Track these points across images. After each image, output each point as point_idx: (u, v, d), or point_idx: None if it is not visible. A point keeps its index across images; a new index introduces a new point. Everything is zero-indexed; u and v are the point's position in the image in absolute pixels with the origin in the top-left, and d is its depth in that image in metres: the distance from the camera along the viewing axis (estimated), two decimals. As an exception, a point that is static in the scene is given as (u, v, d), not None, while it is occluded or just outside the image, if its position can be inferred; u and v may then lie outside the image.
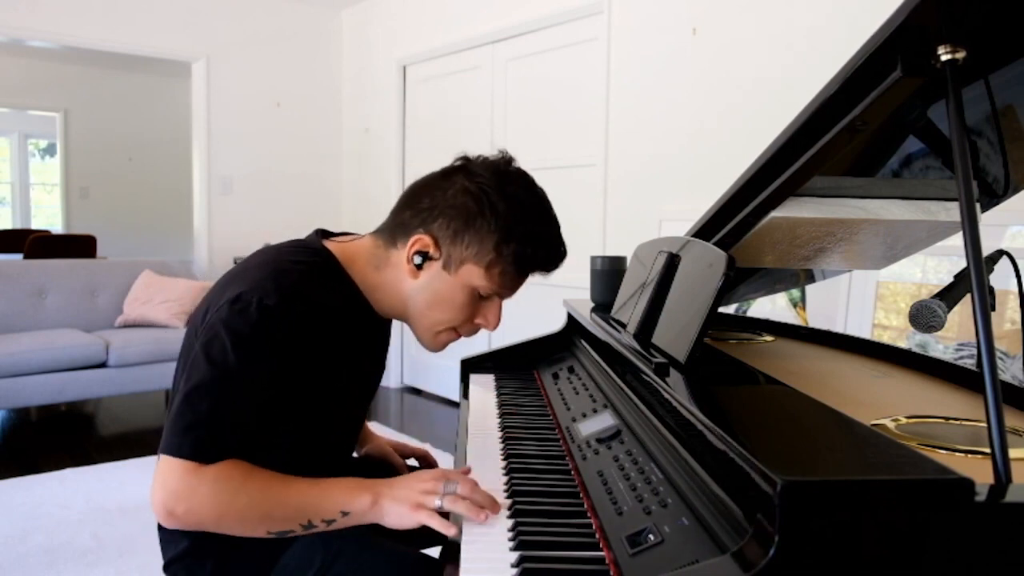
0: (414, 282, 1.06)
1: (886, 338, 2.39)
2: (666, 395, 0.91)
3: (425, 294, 1.06)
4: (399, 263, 1.07)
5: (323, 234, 1.14)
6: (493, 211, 1.01)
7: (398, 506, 0.92)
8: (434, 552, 1.31)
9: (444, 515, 0.91)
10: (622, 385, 1.16)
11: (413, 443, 1.53)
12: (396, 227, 1.08)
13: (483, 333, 3.99)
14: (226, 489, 0.91)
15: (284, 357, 0.96)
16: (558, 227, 1.09)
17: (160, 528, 1.14)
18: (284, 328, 0.95)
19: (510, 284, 1.06)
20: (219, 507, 0.91)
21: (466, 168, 1.06)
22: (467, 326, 1.10)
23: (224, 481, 0.91)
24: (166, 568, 1.13)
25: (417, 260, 1.04)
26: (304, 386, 1.01)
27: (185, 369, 0.98)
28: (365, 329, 1.13)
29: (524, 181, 1.07)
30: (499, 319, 1.09)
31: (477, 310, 1.08)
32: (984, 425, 0.76)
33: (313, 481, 0.96)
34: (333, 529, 0.95)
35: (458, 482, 0.92)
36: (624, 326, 1.30)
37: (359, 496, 0.94)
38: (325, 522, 0.94)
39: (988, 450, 0.65)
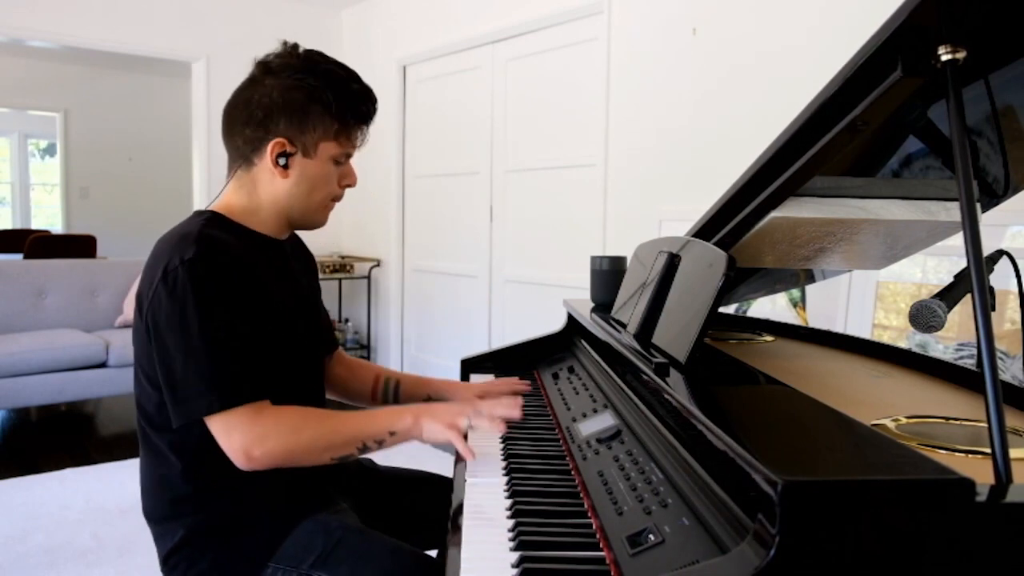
0: (286, 181, 1.17)
1: (886, 338, 2.39)
2: (666, 395, 0.91)
3: (302, 185, 1.18)
4: (265, 174, 1.17)
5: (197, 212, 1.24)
6: (319, 92, 1.14)
7: (434, 423, 1.09)
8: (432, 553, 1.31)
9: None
10: (622, 385, 1.16)
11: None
12: (243, 148, 1.18)
13: (483, 333, 3.98)
14: (290, 428, 1.05)
15: (226, 293, 1.06)
16: (360, 77, 1.21)
17: (153, 523, 1.15)
18: (212, 270, 1.06)
19: (355, 140, 1.20)
20: (288, 444, 1.04)
21: (270, 70, 1.16)
22: (338, 191, 1.23)
23: (285, 422, 1.05)
24: (165, 562, 1.14)
25: (282, 161, 1.15)
26: (253, 317, 1.09)
27: (144, 355, 1.10)
28: (269, 256, 1.21)
29: (321, 56, 1.19)
30: (355, 174, 1.24)
31: (340, 175, 1.21)
32: (984, 425, 0.76)
33: (362, 411, 1.12)
34: (383, 449, 1.11)
35: (484, 409, 1.12)
36: (624, 326, 1.30)
37: (402, 417, 1.10)
38: (376, 443, 1.09)
39: (988, 450, 0.65)
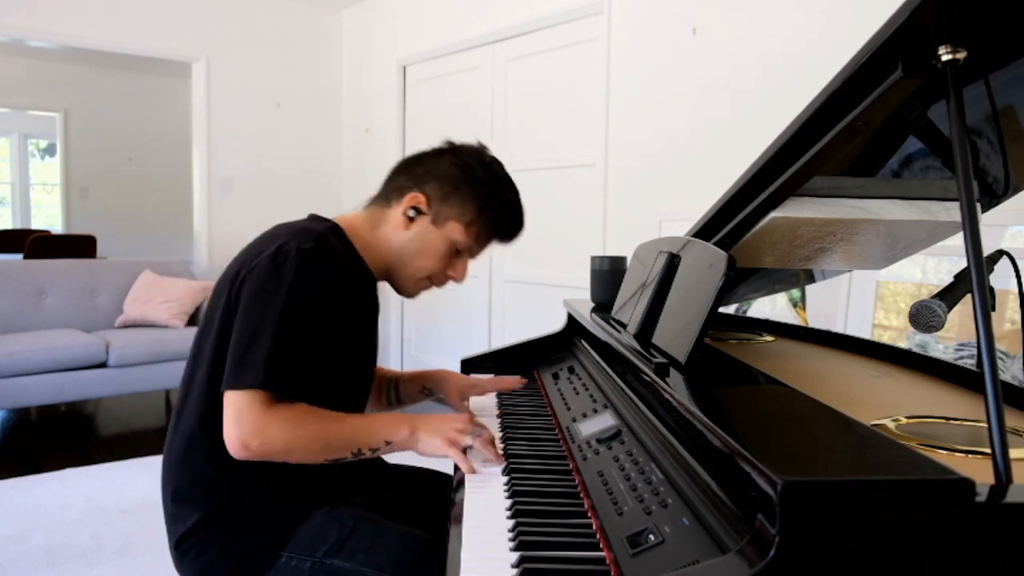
0: (405, 233, 1.24)
1: (886, 338, 2.39)
2: (666, 395, 0.91)
3: (414, 244, 1.25)
4: (393, 219, 1.25)
5: (318, 218, 1.27)
6: (477, 182, 1.24)
7: (433, 438, 1.10)
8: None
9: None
10: (622, 385, 1.16)
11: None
12: (391, 190, 1.27)
13: (483, 333, 3.97)
14: (293, 425, 1.05)
15: (323, 297, 1.11)
16: (521, 207, 1.30)
17: (170, 502, 1.16)
18: (321, 269, 1.11)
19: (482, 242, 1.27)
20: (288, 441, 1.05)
21: (454, 150, 1.28)
22: (441, 276, 1.28)
23: (291, 420, 1.06)
24: (176, 546, 1.14)
25: (411, 213, 1.23)
26: (330, 330, 1.13)
27: (209, 327, 1.14)
28: (365, 289, 1.27)
29: (500, 165, 1.29)
30: (466, 273, 1.30)
31: (451, 263, 1.27)
32: (984, 425, 0.76)
33: (360, 416, 1.15)
34: (376, 456, 1.12)
35: (483, 431, 1.12)
36: (624, 326, 1.30)
37: (400, 428, 1.11)
38: (371, 450, 1.10)
39: (988, 450, 0.65)
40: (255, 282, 1.09)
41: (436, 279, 1.28)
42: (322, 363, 1.11)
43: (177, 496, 1.16)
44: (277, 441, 1.04)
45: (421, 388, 1.50)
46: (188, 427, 1.15)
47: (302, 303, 1.08)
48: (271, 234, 1.16)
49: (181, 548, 1.14)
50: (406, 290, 1.30)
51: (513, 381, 1.51)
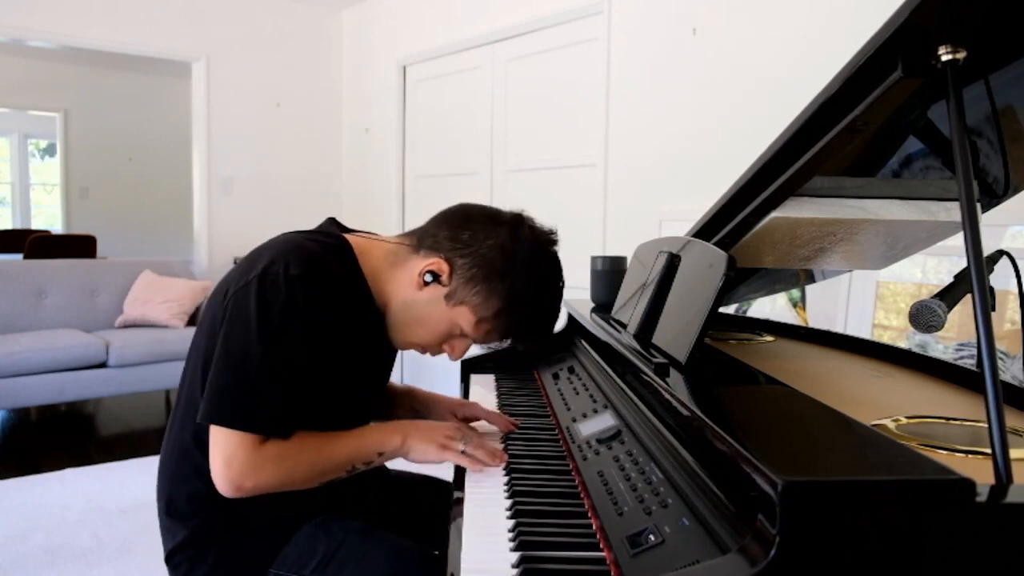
0: (415, 293, 1.12)
1: (886, 338, 2.39)
2: (666, 395, 0.91)
3: (417, 309, 1.12)
4: (414, 269, 1.12)
5: (336, 223, 1.20)
6: (512, 281, 1.08)
7: (424, 445, 1.07)
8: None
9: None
10: (622, 385, 1.16)
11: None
12: (428, 238, 1.13)
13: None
14: (287, 462, 1.02)
15: (309, 325, 1.03)
16: (554, 319, 1.16)
17: (164, 515, 1.14)
18: (309, 297, 1.02)
19: (487, 340, 1.15)
20: (282, 478, 1.02)
21: (515, 226, 1.11)
22: (434, 349, 1.17)
23: (285, 457, 1.01)
24: (168, 559, 1.13)
25: (428, 278, 1.10)
26: (322, 359, 1.07)
27: (203, 345, 1.07)
28: (366, 317, 1.16)
29: (553, 267, 1.14)
30: (464, 354, 1.18)
31: (449, 342, 1.16)
32: (984, 425, 0.76)
33: (350, 433, 1.09)
34: (370, 468, 1.09)
35: (472, 436, 1.10)
36: (624, 326, 1.30)
37: (391, 437, 1.08)
38: (365, 464, 1.08)
39: (988, 450, 0.65)
40: (239, 308, 1.01)
41: (429, 350, 1.17)
42: (313, 394, 1.06)
43: (170, 510, 1.14)
44: (271, 480, 1.00)
45: (410, 407, 1.41)
46: (182, 442, 1.11)
47: (288, 335, 1.00)
48: (264, 248, 1.08)
49: (173, 562, 1.13)
50: (396, 342, 1.19)
51: (506, 422, 1.30)
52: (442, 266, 1.09)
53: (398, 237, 1.18)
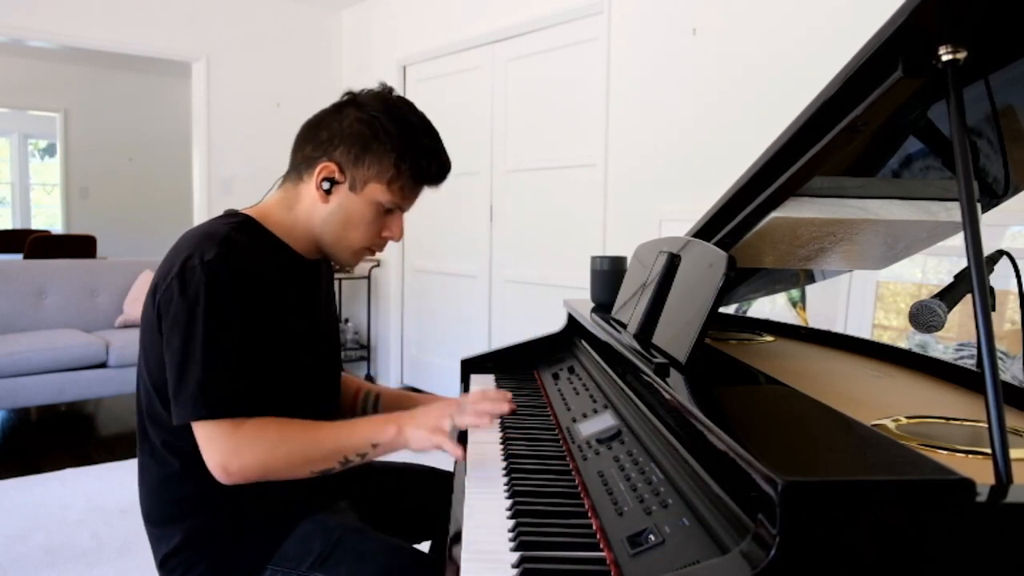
0: (325, 207, 1.15)
1: (886, 338, 2.39)
2: (666, 395, 0.91)
3: (337, 216, 1.15)
4: (309, 194, 1.16)
5: (234, 211, 1.22)
6: (387, 133, 1.12)
7: (419, 431, 1.05)
8: (423, 547, 1.31)
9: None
10: (622, 385, 1.16)
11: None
12: (300, 164, 1.17)
13: (483, 334, 3.96)
14: (266, 443, 1.02)
15: (240, 303, 1.04)
16: (442, 142, 1.20)
17: (151, 525, 1.14)
18: (230, 276, 1.04)
19: (409, 195, 1.18)
20: (265, 461, 1.02)
21: (355, 101, 1.16)
22: (377, 240, 1.19)
23: (262, 438, 1.02)
24: (161, 566, 1.13)
25: (325, 186, 1.14)
26: (265, 332, 1.07)
27: (143, 348, 1.10)
28: (296, 274, 1.19)
29: (408, 105, 1.18)
30: (402, 230, 1.20)
31: (383, 224, 1.18)
32: (984, 425, 0.76)
33: (340, 422, 1.08)
34: (366, 461, 1.07)
35: (468, 403, 1.07)
36: (624, 326, 1.30)
37: (385, 428, 1.06)
38: (359, 456, 1.06)
39: (989, 450, 0.65)
40: (170, 308, 1.04)
41: (373, 245, 1.20)
42: (270, 367, 1.07)
43: (157, 518, 1.14)
44: (253, 462, 1.01)
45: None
46: (155, 451, 1.12)
47: (221, 318, 1.02)
48: (175, 247, 1.10)
49: (166, 567, 1.13)
50: (343, 262, 1.22)
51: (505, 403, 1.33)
52: (329, 167, 1.13)
53: (277, 187, 1.22)
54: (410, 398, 1.42)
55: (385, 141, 1.12)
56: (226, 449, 1.01)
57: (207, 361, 1.01)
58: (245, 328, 1.04)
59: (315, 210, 1.16)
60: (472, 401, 1.09)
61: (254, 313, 1.06)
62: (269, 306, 1.09)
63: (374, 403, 1.43)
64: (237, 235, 1.09)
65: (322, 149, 1.14)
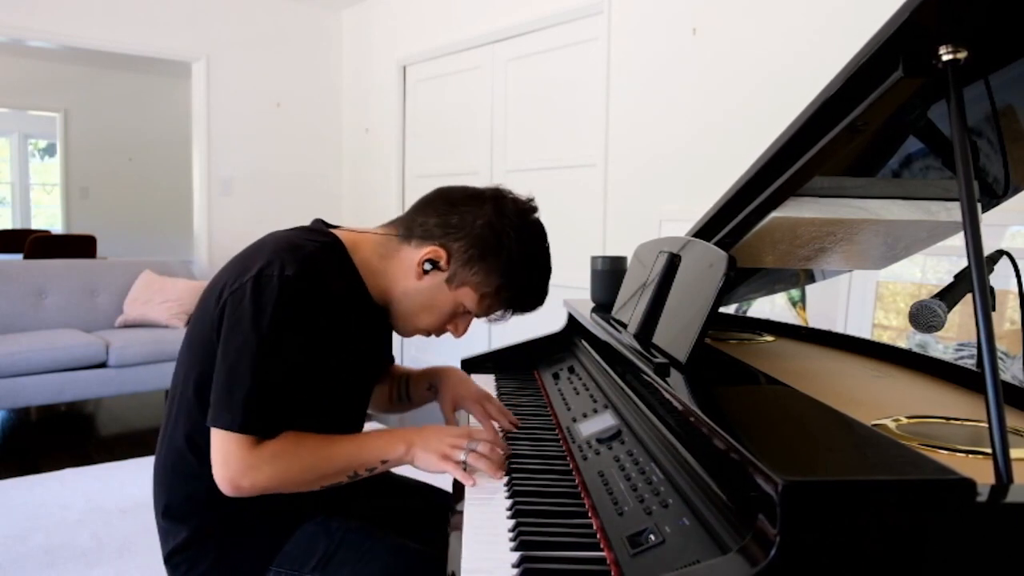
0: (415, 283, 1.14)
1: (886, 338, 2.39)
2: (667, 395, 0.91)
3: (422, 296, 1.15)
4: (407, 259, 1.14)
5: (323, 222, 1.20)
6: (507, 255, 1.12)
7: (428, 455, 1.05)
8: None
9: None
10: (622, 385, 1.16)
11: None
12: (417, 228, 1.15)
13: (483, 333, 3.96)
14: (284, 462, 1.02)
15: (306, 325, 1.04)
16: (549, 279, 1.20)
17: (161, 518, 1.14)
18: (305, 297, 1.03)
19: (492, 312, 1.18)
20: (280, 478, 1.01)
21: (497, 201, 1.14)
22: (442, 330, 1.21)
23: (281, 456, 1.01)
24: (167, 560, 1.13)
25: (427, 267, 1.13)
26: (319, 360, 1.07)
27: (195, 345, 1.08)
28: (364, 311, 1.17)
29: (540, 234, 1.17)
30: (467, 331, 1.21)
31: (454, 321, 1.19)
32: (985, 425, 0.76)
33: (352, 437, 1.08)
34: (372, 475, 1.07)
35: (480, 441, 1.05)
36: (625, 326, 1.30)
37: (394, 446, 1.06)
38: (368, 470, 1.06)
39: (989, 450, 0.65)
40: (235, 310, 1.02)
41: (435, 332, 1.21)
42: (311, 394, 1.07)
43: (168, 513, 1.14)
44: (268, 479, 1.01)
45: (428, 386, 1.42)
46: (176, 444, 1.12)
47: (283, 336, 1.01)
48: (257, 248, 1.09)
49: (172, 562, 1.13)
50: (402, 332, 1.22)
51: (507, 420, 1.30)
52: (439, 253, 1.12)
53: (383, 228, 1.20)
54: (427, 374, 1.43)
55: (501, 260, 1.11)
56: (242, 465, 1.00)
57: (257, 375, 1.00)
58: (303, 352, 1.03)
59: (405, 278, 1.15)
60: (488, 449, 1.05)
61: (315, 339, 1.05)
62: (331, 336, 1.08)
63: (406, 388, 1.44)
64: (322, 256, 1.08)
65: (444, 231, 1.12)
